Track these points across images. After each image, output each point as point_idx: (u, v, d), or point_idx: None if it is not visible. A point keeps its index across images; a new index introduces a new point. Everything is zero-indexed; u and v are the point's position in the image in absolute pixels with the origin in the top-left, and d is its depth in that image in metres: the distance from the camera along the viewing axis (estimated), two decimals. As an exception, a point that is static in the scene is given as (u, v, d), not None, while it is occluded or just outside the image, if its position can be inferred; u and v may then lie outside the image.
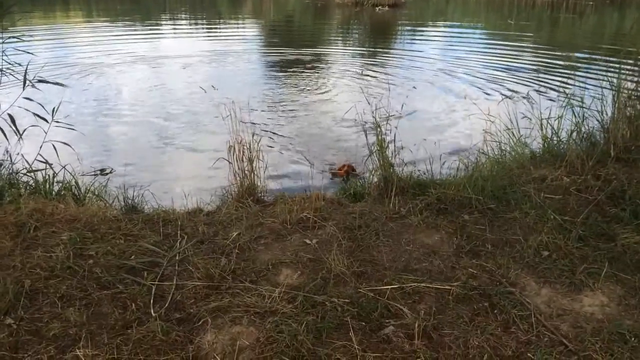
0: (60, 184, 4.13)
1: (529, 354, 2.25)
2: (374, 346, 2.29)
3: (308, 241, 3.21)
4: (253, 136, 4.18)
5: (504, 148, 4.63)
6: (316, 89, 8.94)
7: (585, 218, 3.34)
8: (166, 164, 5.59)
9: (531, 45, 13.58)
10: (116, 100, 8.24)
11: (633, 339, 2.32)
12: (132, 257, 3.00)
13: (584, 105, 4.84)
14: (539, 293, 2.68)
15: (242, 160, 4.07)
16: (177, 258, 3.00)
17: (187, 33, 17.65)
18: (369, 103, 4.06)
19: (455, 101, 8.06)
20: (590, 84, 7.28)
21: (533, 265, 2.90)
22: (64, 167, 4.20)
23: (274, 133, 6.40)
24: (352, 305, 2.54)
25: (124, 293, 2.67)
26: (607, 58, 10.14)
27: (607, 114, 4.72)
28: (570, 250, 3.01)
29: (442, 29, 18.37)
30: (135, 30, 17.27)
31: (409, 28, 18.71)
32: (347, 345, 2.29)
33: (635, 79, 4.98)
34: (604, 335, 2.34)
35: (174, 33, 17.53)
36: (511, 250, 3.06)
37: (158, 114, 7.38)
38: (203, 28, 18.83)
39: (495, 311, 2.52)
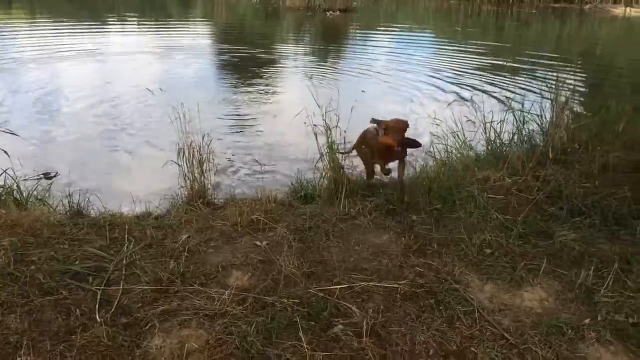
0: (1, 189, 3.97)
1: (472, 348, 2.33)
2: (323, 345, 2.33)
3: (258, 243, 3.21)
4: (203, 138, 4.13)
5: (449, 150, 4.76)
6: (266, 91, 8.91)
7: (526, 217, 3.49)
8: (113, 167, 5.43)
9: (476, 51, 13.97)
10: (60, 100, 7.91)
11: (570, 331, 2.44)
12: (77, 262, 2.92)
13: (525, 110, 5.06)
14: (482, 289, 2.78)
15: (192, 163, 4.03)
16: (124, 262, 2.95)
17: (136, 32, 17.26)
18: (319, 106, 4.09)
19: (403, 104, 8.18)
20: (531, 89, 7.60)
21: (477, 262, 3.01)
22: (4, 170, 4.04)
23: (224, 135, 6.34)
24: (301, 306, 2.57)
25: (67, 299, 2.60)
26: (547, 64, 10.58)
27: (546, 118, 4.95)
28: (512, 247, 3.14)
29: (392, 34, 18.67)
30: (81, 28, 16.75)
31: (359, 32, 18.94)
32: (296, 345, 2.31)
33: (572, 84, 5.23)
34: (543, 329, 2.45)
35: (122, 32, 17.10)
36: (456, 248, 3.16)
37: (105, 115, 7.13)
38: (152, 28, 18.45)
39: (441, 307, 2.60)
